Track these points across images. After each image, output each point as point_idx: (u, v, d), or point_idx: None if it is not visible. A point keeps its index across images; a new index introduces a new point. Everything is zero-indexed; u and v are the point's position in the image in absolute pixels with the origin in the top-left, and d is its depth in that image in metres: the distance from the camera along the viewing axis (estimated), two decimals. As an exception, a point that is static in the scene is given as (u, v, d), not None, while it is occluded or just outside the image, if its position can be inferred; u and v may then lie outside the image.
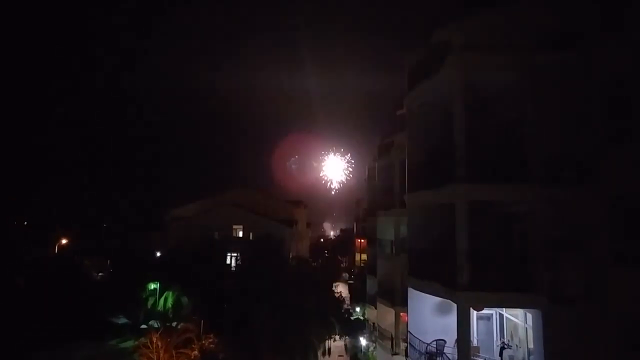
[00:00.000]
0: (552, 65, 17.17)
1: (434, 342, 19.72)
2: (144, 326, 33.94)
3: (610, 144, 16.07)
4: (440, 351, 19.33)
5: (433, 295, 20.19)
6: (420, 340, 20.21)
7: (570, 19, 17.45)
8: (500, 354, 18.63)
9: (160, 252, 52.22)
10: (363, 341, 43.09)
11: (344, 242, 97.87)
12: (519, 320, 19.45)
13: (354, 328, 48.47)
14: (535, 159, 17.24)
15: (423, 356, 19.92)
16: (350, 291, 67.62)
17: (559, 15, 17.70)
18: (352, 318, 52.94)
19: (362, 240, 63.58)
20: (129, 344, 32.00)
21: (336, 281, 70.12)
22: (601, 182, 16.25)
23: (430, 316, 21.30)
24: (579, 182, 16.54)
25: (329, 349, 45.89)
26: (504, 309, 20.33)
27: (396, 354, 31.93)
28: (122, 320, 34.71)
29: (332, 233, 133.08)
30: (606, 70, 16.55)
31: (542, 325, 16.39)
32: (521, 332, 19.30)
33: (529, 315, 18.05)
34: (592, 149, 16.55)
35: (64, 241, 65.46)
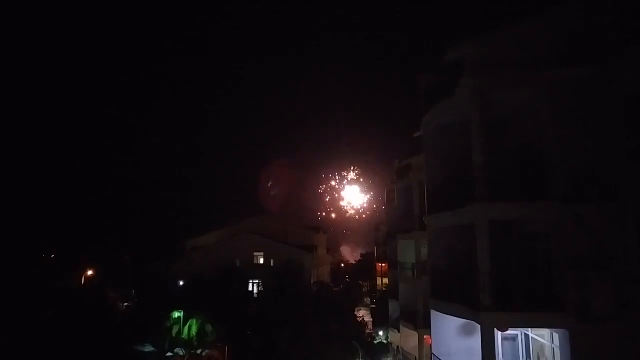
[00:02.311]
0: (571, 81, 16.99)
1: (459, 364, 19.63)
2: (169, 354, 34.31)
3: (634, 159, 16.00)
4: (466, 373, 19.23)
5: (457, 317, 20.06)
6: (445, 362, 20.14)
7: (589, 33, 17.30)
8: (527, 375, 18.48)
9: (184, 281, 52.65)
10: (387, 365, 42.72)
11: (365, 266, 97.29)
12: (546, 341, 19.19)
13: (377, 352, 48.03)
14: (557, 176, 17.05)
15: (449, 378, 19.84)
16: (372, 315, 67.04)
17: (577, 29, 17.52)
18: (375, 342, 52.50)
19: (383, 265, 63.32)
20: (156, 371, 32.34)
21: (358, 305, 69.58)
22: (626, 199, 16.13)
23: (454, 338, 21.14)
24: (604, 199, 16.31)
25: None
26: (530, 330, 20.13)
27: (421, 377, 31.66)
28: (149, 348, 35.15)
29: (352, 258, 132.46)
30: (627, 84, 16.45)
31: (569, 346, 16.19)
32: (548, 353, 19.05)
33: (556, 335, 17.85)
34: (616, 164, 16.44)
35: (89, 272, 66.42)
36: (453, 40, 21.10)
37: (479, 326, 17.63)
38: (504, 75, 18.01)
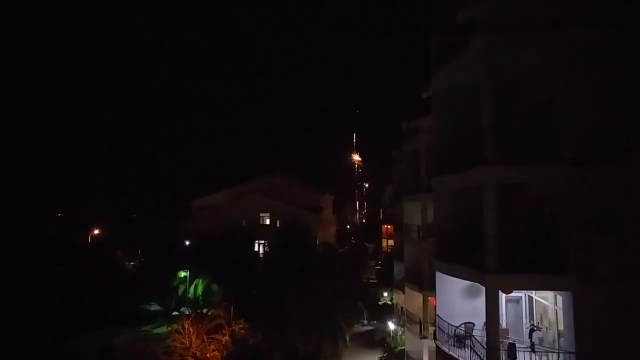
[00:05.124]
0: (583, 42, 16.68)
1: (463, 325, 19.77)
2: (175, 313, 34.84)
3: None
4: (468, 334, 19.36)
5: (461, 278, 20.19)
6: (448, 323, 20.28)
7: None
8: (530, 336, 18.58)
9: (189, 241, 53.13)
10: (391, 325, 43.27)
11: (370, 228, 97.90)
12: (549, 303, 19.34)
13: (381, 312, 48.72)
14: (566, 139, 16.90)
15: (452, 339, 20.01)
16: (377, 276, 67.77)
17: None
18: (379, 303, 53.14)
19: (389, 226, 63.55)
20: (162, 329, 32.94)
21: (363, 266, 70.22)
22: (634, 162, 16.07)
23: (458, 299, 21.31)
24: (612, 162, 16.26)
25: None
26: (534, 292, 20.22)
27: (425, 337, 32.01)
28: (155, 307, 35.80)
29: (357, 218, 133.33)
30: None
31: (572, 307, 16.29)
32: (551, 314, 19.20)
33: (559, 298, 17.94)
34: (625, 128, 16.29)
35: (96, 231, 67.11)
36: (465, -1, 20.50)
37: (483, 288, 17.75)
38: (515, 36, 17.75)
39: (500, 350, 16.98)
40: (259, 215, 58.43)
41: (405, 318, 38.37)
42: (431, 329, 29.07)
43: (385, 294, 54.73)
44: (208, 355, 31.26)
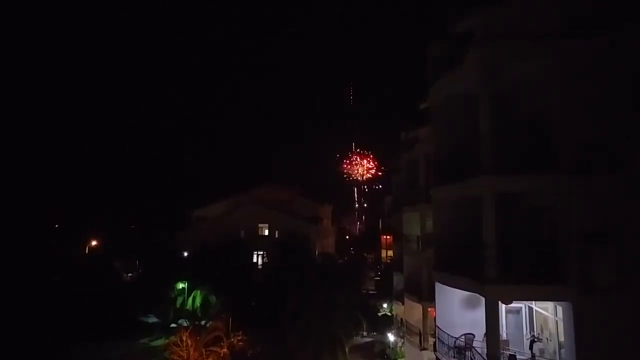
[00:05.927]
0: (581, 53, 16.67)
1: (463, 337, 19.57)
2: (173, 325, 34.60)
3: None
4: (469, 345, 19.17)
5: (461, 289, 20.05)
6: (448, 334, 20.09)
7: (601, 4, 16.92)
8: (531, 348, 18.39)
9: (188, 252, 52.90)
10: (391, 337, 42.98)
11: (370, 238, 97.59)
12: (549, 313, 19.16)
13: (381, 324, 48.42)
14: (565, 148, 16.82)
15: (452, 350, 19.81)
16: (377, 287, 67.48)
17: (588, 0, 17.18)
18: (379, 314, 52.83)
19: (388, 237, 63.37)
20: (160, 342, 32.70)
21: (363, 277, 69.92)
22: (634, 171, 15.95)
23: (458, 310, 21.15)
24: (611, 171, 16.18)
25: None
26: (534, 302, 20.06)
27: (424, 349, 31.78)
28: (152, 319, 35.53)
29: (357, 229, 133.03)
30: (637, 57, 16.21)
31: (572, 318, 16.12)
32: (551, 325, 19.02)
33: (559, 308, 17.78)
34: (624, 137, 16.20)
35: (93, 242, 66.87)
36: (463, 9, 20.51)
37: (483, 299, 17.61)
38: (513, 45, 17.72)
39: (500, 361, 16.84)
40: (258, 226, 58.30)
41: (405, 329, 38.15)
42: (431, 340, 28.85)
43: (385, 305, 54.44)
44: (206, 368, 30.98)
